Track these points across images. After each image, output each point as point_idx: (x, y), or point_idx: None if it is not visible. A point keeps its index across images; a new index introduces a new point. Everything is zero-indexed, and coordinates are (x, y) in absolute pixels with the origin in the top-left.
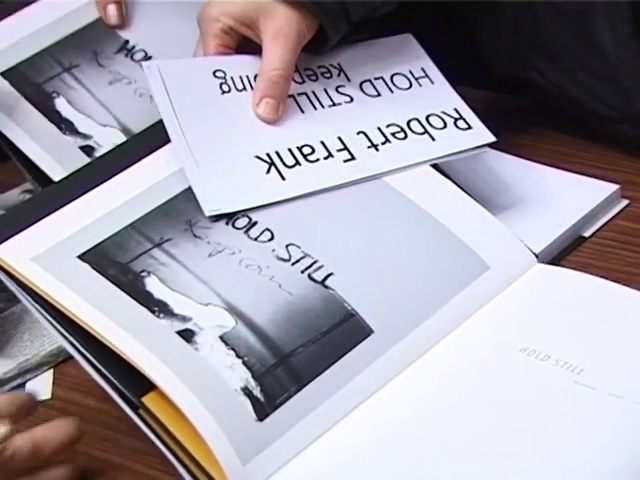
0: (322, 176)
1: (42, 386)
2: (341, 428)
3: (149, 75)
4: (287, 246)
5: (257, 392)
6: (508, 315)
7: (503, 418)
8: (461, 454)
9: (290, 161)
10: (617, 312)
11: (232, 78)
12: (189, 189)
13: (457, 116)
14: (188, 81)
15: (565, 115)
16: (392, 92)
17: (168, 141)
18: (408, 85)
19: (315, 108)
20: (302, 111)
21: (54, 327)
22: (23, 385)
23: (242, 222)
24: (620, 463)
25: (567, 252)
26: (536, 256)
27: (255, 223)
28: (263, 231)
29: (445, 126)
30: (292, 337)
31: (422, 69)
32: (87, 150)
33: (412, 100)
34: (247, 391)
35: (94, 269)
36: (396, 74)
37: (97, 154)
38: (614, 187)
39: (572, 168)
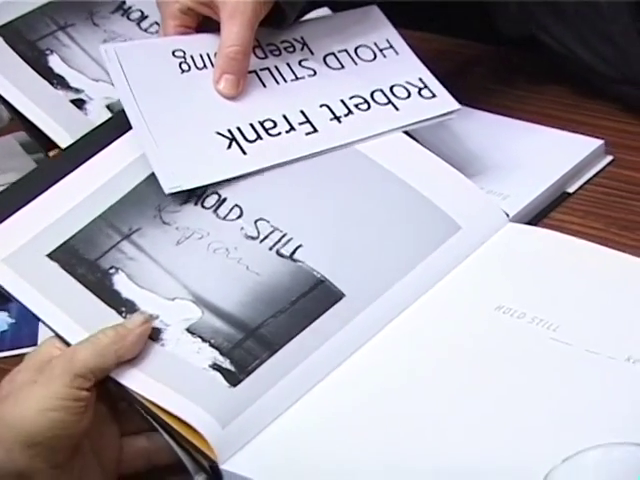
0: (284, 149)
1: None
2: (319, 390)
3: (106, 58)
4: (256, 222)
5: (227, 364)
6: (482, 274)
7: (480, 376)
8: (438, 413)
9: (251, 136)
10: (590, 269)
11: (192, 57)
12: None
13: (422, 85)
14: (146, 62)
15: (570, 74)
16: (356, 64)
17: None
18: (372, 57)
19: (277, 83)
20: (264, 86)
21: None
22: None
23: (211, 200)
24: (596, 418)
25: (552, 208)
26: (507, 215)
27: (224, 200)
28: (232, 208)
29: (409, 96)
30: (259, 312)
31: (387, 40)
32: (78, 103)
33: (376, 71)
34: (216, 366)
35: (63, 268)
36: (360, 46)
37: (88, 107)
38: (598, 142)
39: (559, 126)
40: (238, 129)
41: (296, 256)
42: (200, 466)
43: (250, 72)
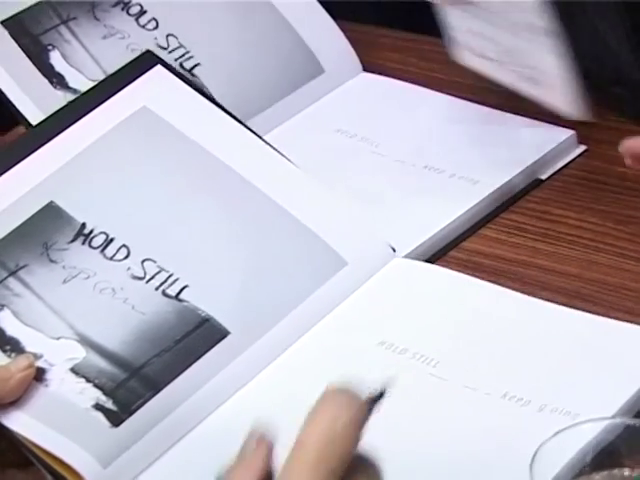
0: None
1: None
2: (203, 428)
3: None
4: (143, 262)
5: (109, 404)
6: (366, 310)
7: None
8: None
9: None
10: (472, 305)
11: None
12: (47, 206)
13: None
14: None
15: None
16: None
17: (26, 156)
18: None
19: None
20: None
21: None
22: None
23: (99, 240)
24: (472, 452)
25: (524, 193)
26: (393, 250)
27: (112, 240)
28: (120, 248)
29: None
30: (144, 351)
31: None
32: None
33: None
34: (99, 406)
35: None
36: None
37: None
38: (570, 132)
39: (536, 117)
40: None
41: (182, 296)
42: None
43: None
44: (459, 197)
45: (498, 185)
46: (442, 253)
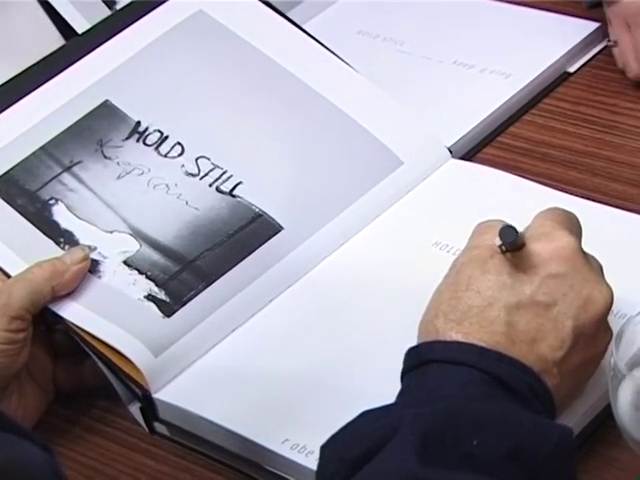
0: None
1: None
2: (254, 322)
3: None
4: (197, 159)
5: (162, 295)
6: (421, 210)
7: (414, 310)
8: (369, 344)
9: None
10: (528, 207)
11: None
12: (102, 105)
13: None
14: None
15: None
16: None
17: (81, 57)
18: None
19: None
20: None
21: None
22: None
23: (153, 138)
24: None
25: (554, 86)
26: (450, 151)
27: (166, 138)
28: (174, 146)
29: None
30: (196, 245)
31: None
32: (109, 3)
33: None
34: (151, 297)
35: (2, 199)
36: None
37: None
38: (595, 25)
39: (555, 9)
40: None
41: (236, 192)
42: (134, 395)
43: None
44: (493, 91)
45: (530, 78)
46: (477, 150)
